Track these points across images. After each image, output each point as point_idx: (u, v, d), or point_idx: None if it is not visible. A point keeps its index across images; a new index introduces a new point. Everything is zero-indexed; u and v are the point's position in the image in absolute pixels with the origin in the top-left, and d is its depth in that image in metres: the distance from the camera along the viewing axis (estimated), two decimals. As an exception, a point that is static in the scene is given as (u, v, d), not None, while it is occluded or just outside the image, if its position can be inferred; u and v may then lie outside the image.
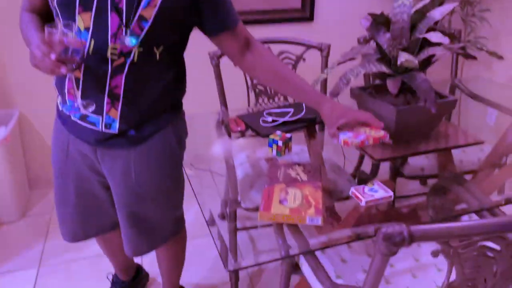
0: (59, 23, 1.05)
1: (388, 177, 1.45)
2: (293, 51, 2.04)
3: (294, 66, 2.04)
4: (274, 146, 1.41)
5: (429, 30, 1.35)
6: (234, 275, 1.75)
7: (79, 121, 1.19)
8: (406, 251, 1.37)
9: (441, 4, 1.38)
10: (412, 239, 0.79)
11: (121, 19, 1.05)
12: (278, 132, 1.44)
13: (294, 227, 1.11)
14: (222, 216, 1.31)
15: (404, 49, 1.34)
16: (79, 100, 1.10)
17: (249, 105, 2.06)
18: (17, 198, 2.32)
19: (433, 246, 1.35)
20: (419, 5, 1.36)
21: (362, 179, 1.42)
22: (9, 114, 2.36)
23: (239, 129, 1.60)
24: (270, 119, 1.62)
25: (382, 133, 1.26)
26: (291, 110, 1.68)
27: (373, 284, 0.92)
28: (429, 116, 1.37)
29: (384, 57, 1.39)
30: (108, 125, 1.17)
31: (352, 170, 1.49)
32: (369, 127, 1.29)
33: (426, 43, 1.35)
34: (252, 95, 2.04)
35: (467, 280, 0.91)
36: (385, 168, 1.47)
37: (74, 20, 1.05)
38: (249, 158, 1.61)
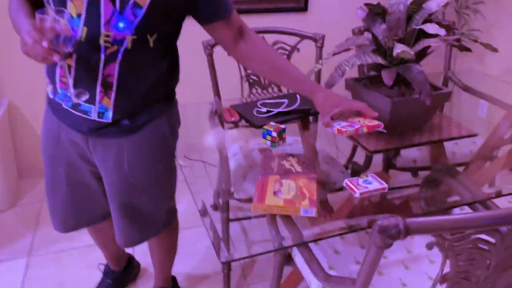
0: (50, 9, 1.03)
1: (381, 168, 1.45)
2: (287, 41, 2.02)
3: (288, 57, 2.02)
4: (268, 137, 1.40)
5: (425, 21, 1.34)
6: (227, 265, 1.75)
7: (71, 110, 1.17)
8: (399, 242, 1.37)
9: (437, -5, 1.37)
10: (407, 231, 0.78)
11: (114, 6, 1.02)
12: (272, 123, 1.43)
13: (287, 218, 1.10)
14: (215, 207, 1.30)
15: (400, 40, 1.33)
16: (71, 89, 1.08)
17: (242, 96, 2.04)
18: (6, 187, 2.29)
19: (425, 238, 1.36)
20: (416, -4, 1.35)
21: (355, 170, 1.41)
22: (-2, 102, 2.33)
23: (232, 119, 1.59)
24: (264, 109, 1.61)
25: (376, 122, 1.26)
26: (285, 100, 1.67)
27: (367, 276, 0.93)
28: (424, 108, 1.37)
29: (380, 48, 1.38)
30: (101, 114, 1.15)
31: (345, 161, 1.49)
32: (363, 117, 1.29)
33: (421, 34, 1.35)
34: (245, 85, 2.02)
35: (460, 272, 0.92)
36: (377, 159, 1.47)
37: (66, 7, 1.03)
38: (242, 149, 1.60)
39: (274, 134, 1.38)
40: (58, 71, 1.13)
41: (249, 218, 1.24)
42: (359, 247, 1.36)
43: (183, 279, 1.87)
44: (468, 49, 1.40)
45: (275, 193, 1.12)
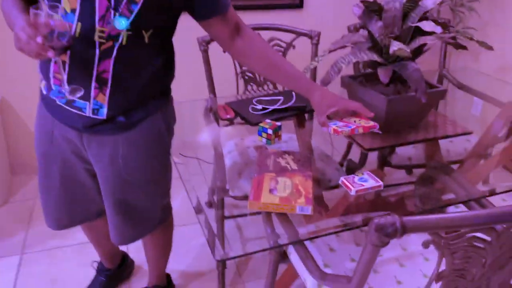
0: (44, 4, 1.01)
1: (376, 166, 1.45)
2: (283, 38, 2.01)
3: (284, 54, 2.02)
4: (264, 135, 1.39)
5: (421, 19, 1.34)
6: (221, 263, 1.75)
7: (65, 106, 1.15)
8: (394, 240, 1.37)
9: (433, -8, 1.37)
10: (404, 230, 0.78)
11: (109, 1, 1.01)
12: (268, 120, 1.42)
13: (283, 216, 1.10)
14: (209, 204, 1.30)
15: (396, 38, 1.33)
16: (65, 86, 1.07)
17: (237, 93, 2.03)
18: (-1, 184, 2.27)
19: (420, 235, 1.36)
20: (412, -7, 1.35)
21: (350, 168, 1.41)
22: (-10, 98, 2.31)
23: (228, 116, 1.58)
24: (259, 106, 1.60)
25: (371, 123, 1.26)
26: (281, 98, 1.67)
27: (362, 274, 0.92)
28: (419, 106, 1.37)
29: (376, 46, 1.38)
30: (95, 111, 1.14)
31: (340, 159, 1.49)
32: (358, 117, 1.29)
33: (417, 32, 1.34)
34: (241, 82, 2.02)
35: (456, 270, 0.92)
36: (373, 157, 1.47)
37: (60, 2, 1.01)
38: (237, 146, 1.60)
39: (270, 131, 1.37)
40: (52, 67, 1.12)
41: (244, 215, 1.24)
42: (354, 244, 1.36)
43: (177, 276, 1.87)
44: (464, 47, 1.40)
45: (271, 191, 1.11)
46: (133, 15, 1.03)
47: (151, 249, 1.59)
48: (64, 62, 1.07)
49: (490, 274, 0.96)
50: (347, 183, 1.18)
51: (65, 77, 1.08)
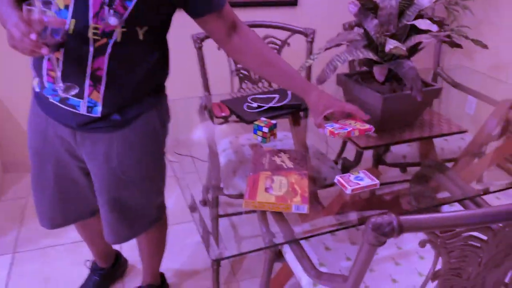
0: (37, 1, 0.99)
1: (371, 164, 1.45)
2: (278, 36, 2.00)
3: (279, 51, 2.01)
4: (259, 133, 1.38)
5: (417, 17, 1.34)
6: (216, 262, 1.74)
7: (58, 104, 1.14)
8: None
9: (429, -9, 1.37)
10: (401, 229, 0.78)
11: (103, -2, 1.00)
12: (264, 119, 1.41)
13: (278, 215, 1.09)
14: (204, 203, 1.29)
15: (392, 36, 1.32)
16: (59, 83, 1.05)
17: (232, 90, 2.02)
18: (-10, 182, 2.25)
19: (415, 234, 1.36)
20: (408, -9, 1.34)
21: (346, 166, 1.41)
22: (-19, 95, 2.28)
23: (223, 114, 1.57)
24: (255, 104, 1.59)
25: (367, 126, 1.28)
26: (276, 96, 1.66)
27: (358, 273, 0.92)
28: (415, 104, 1.37)
29: (371, 44, 1.37)
30: (90, 109, 1.12)
31: (335, 157, 1.48)
32: (354, 119, 1.31)
33: (412, 30, 1.34)
34: (235, 80, 2.01)
35: (452, 269, 0.92)
36: (367, 155, 1.47)
37: (53, -2, 1.00)
38: (232, 144, 1.59)
39: (265, 129, 1.37)
40: (45, 64, 1.10)
41: (239, 213, 1.23)
42: (349, 243, 1.36)
43: (171, 275, 1.86)
44: (459, 46, 1.40)
45: (266, 189, 1.10)
46: (127, 12, 1.02)
47: (145, 247, 1.58)
48: (57, 59, 1.06)
49: (486, 272, 0.96)
50: (343, 182, 1.18)
51: (59, 74, 1.07)
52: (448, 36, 1.39)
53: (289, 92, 1.68)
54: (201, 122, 1.65)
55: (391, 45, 1.23)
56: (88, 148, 1.20)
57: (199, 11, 1.16)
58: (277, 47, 2.01)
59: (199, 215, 1.10)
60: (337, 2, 2.73)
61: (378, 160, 1.48)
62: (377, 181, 1.18)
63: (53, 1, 0.96)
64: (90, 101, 1.11)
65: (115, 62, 1.07)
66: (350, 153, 1.45)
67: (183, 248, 2.01)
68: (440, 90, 1.46)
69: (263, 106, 1.58)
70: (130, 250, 1.91)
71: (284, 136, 1.54)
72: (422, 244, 0.85)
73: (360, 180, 1.18)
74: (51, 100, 1.15)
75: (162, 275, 1.77)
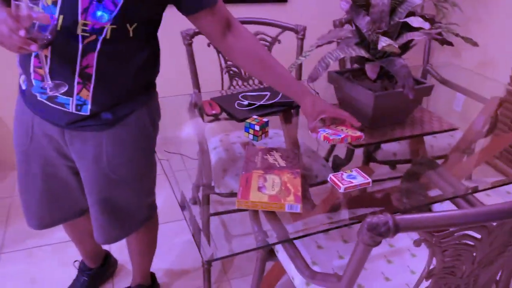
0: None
1: (361, 162, 1.44)
2: (268, 32, 1.99)
3: (269, 48, 1.99)
4: (251, 131, 1.37)
5: (409, 14, 1.34)
6: (208, 262, 1.72)
7: (46, 102, 1.11)
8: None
9: (421, -12, 1.36)
10: (397, 229, 0.77)
11: (93, -7, 0.97)
12: (255, 116, 1.40)
13: (270, 213, 1.08)
14: (194, 201, 1.27)
15: (384, 34, 1.32)
16: (48, 81, 1.02)
17: (222, 88, 2.01)
18: (-26, 181, 2.20)
19: (408, 232, 1.36)
20: (400, -12, 1.34)
21: (337, 164, 1.41)
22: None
23: (214, 112, 1.56)
24: (245, 102, 1.58)
25: (358, 133, 1.30)
26: (267, 93, 1.65)
27: (353, 273, 0.92)
28: (406, 102, 1.37)
29: (363, 41, 1.37)
30: (79, 107, 1.10)
31: (325, 154, 1.48)
32: (345, 125, 1.33)
33: (404, 27, 1.34)
34: (226, 77, 1.99)
35: (446, 268, 0.92)
36: (358, 152, 1.47)
37: (40, -7, 0.97)
38: (222, 142, 1.57)
39: (257, 128, 1.35)
40: (32, 61, 1.07)
41: (232, 211, 1.21)
42: (342, 241, 1.36)
43: (162, 275, 1.84)
44: (450, 43, 1.41)
45: (259, 188, 1.09)
46: (117, 8, 1.00)
47: (135, 247, 1.56)
48: (45, 57, 1.03)
49: (479, 270, 0.96)
50: (335, 180, 1.17)
51: (47, 71, 1.04)
52: (439, 34, 1.39)
53: (280, 90, 1.67)
54: (191, 120, 1.63)
55: (384, 42, 1.22)
56: (77, 147, 1.18)
57: (190, 7, 1.14)
58: (268, 44, 1.99)
59: (190, 214, 1.09)
60: (327, -1, 2.72)
61: (369, 158, 1.48)
62: (369, 179, 1.17)
63: (40, -3, 0.93)
64: (79, 99, 1.08)
65: (105, 59, 1.05)
66: (340, 150, 1.45)
67: (172, 247, 1.99)
68: (432, 88, 1.46)
69: (254, 104, 1.56)
70: (119, 250, 1.88)
71: (275, 133, 1.53)
72: (417, 243, 0.84)
73: (353, 179, 1.18)
74: (38, 98, 1.12)
75: (152, 275, 1.75)
